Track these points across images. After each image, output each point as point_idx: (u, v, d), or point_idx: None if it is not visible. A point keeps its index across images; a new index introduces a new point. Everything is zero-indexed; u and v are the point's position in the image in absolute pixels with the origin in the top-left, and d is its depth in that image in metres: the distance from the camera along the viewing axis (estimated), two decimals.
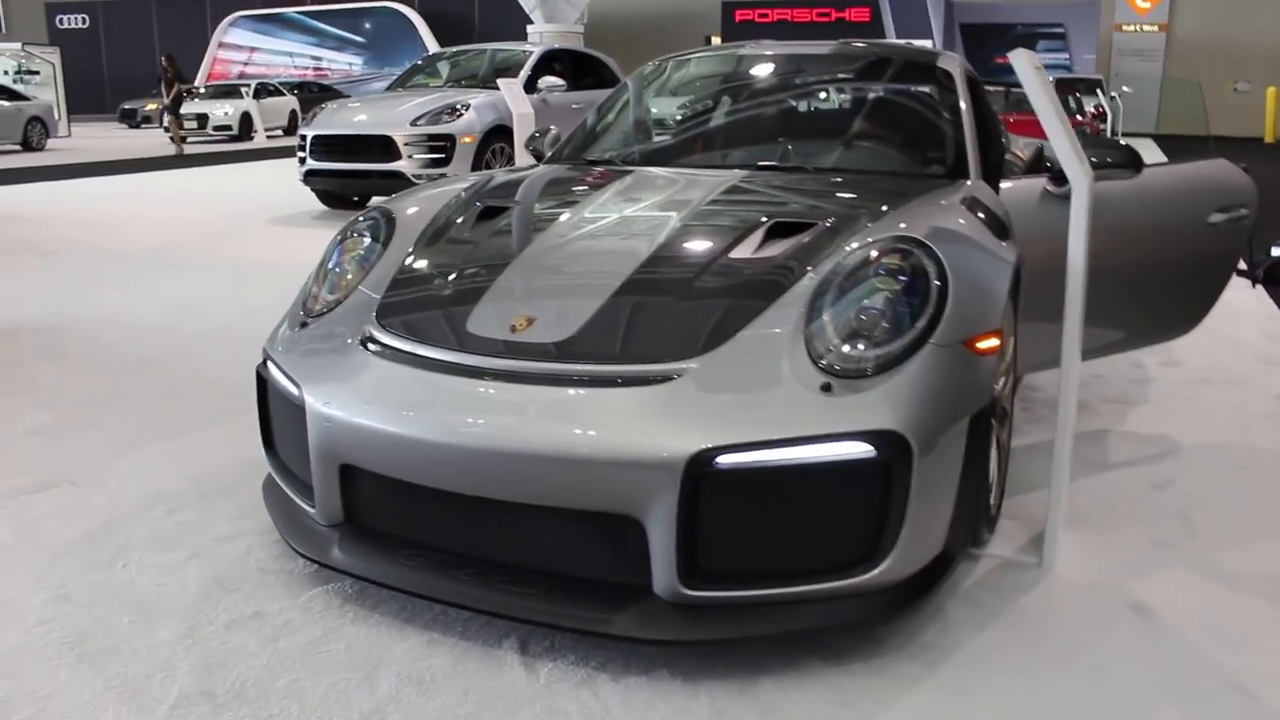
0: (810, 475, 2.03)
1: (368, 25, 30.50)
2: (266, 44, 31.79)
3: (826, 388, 2.09)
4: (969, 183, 3.04)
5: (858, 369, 2.12)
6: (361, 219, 2.88)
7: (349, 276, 2.71)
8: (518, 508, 2.13)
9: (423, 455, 2.16)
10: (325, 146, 9.02)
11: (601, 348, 2.23)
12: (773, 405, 2.08)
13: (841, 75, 3.85)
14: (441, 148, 8.74)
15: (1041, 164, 3.78)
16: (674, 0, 30.22)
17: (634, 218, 2.82)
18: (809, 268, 2.37)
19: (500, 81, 9.23)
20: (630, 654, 2.16)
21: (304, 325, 2.60)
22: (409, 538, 2.31)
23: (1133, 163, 2.98)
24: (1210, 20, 27.44)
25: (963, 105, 3.41)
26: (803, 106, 3.75)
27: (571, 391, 2.14)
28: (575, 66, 10.59)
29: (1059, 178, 3.03)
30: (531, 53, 10.45)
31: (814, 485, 2.05)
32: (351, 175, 9.04)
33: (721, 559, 2.07)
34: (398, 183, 8.85)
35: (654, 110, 3.90)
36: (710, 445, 1.99)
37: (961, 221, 2.59)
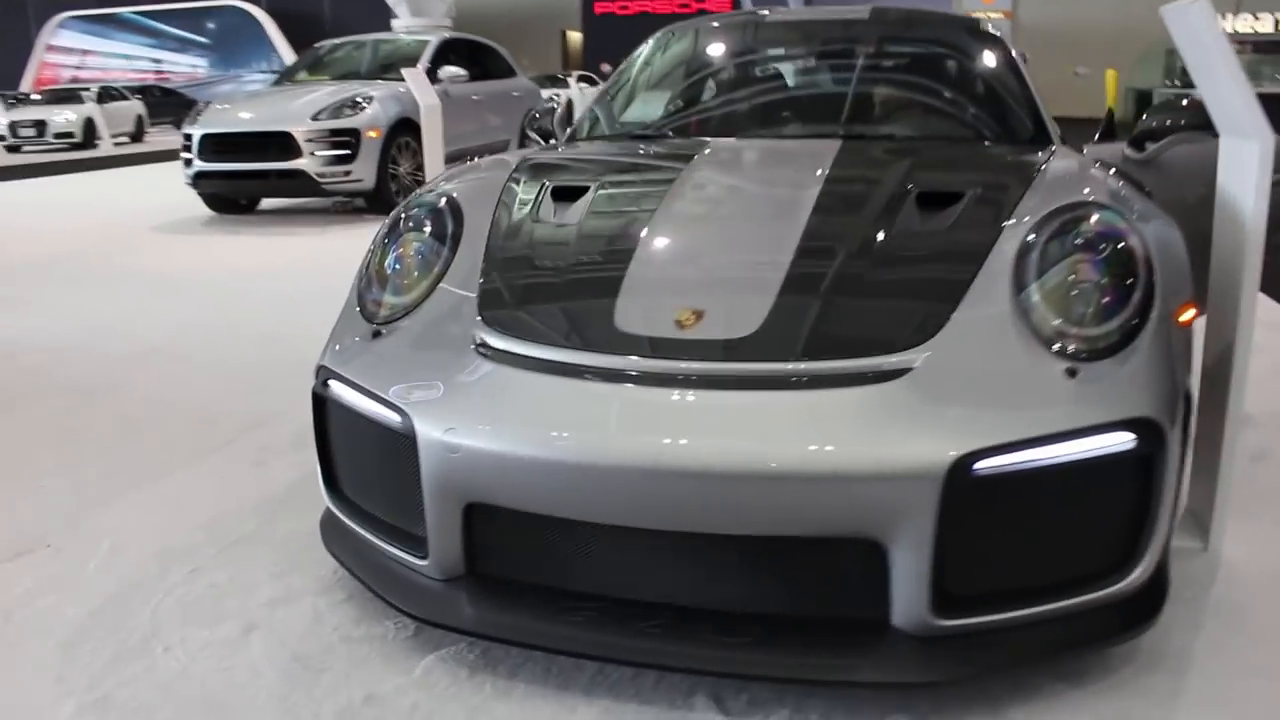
0: (1072, 474, 1.73)
1: (211, 25, 28.83)
2: (101, 46, 29.66)
3: (1072, 373, 1.77)
4: (1060, 148, 2.81)
5: (1093, 349, 1.82)
6: (414, 209, 2.40)
7: (414, 274, 2.23)
8: (717, 541, 1.75)
9: (590, 485, 1.74)
10: (216, 146, 8.23)
11: (798, 342, 1.85)
12: (1021, 396, 1.77)
13: (898, 40, 3.56)
14: (346, 143, 8.09)
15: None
16: None
17: (754, 194, 2.46)
18: (990, 240, 2.04)
19: (405, 72, 8.62)
20: (854, 701, 1.79)
21: (377, 335, 2.11)
22: (561, 588, 1.87)
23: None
24: (1053, 6, 28.69)
25: (1022, 69, 3.19)
26: (868, 73, 3.44)
27: (783, 395, 1.76)
28: (471, 56, 10.04)
29: (1138, 142, 2.82)
30: (427, 42, 9.84)
31: (1075, 485, 1.76)
32: (247, 176, 8.28)
33: (975, 580, 1.76)
34: (298, 183, 8.18)
35: (690, 79, 3.51)
36: (972, 449, 1.66)
37: (1121, 186, 2.32)
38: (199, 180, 8.45)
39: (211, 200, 8.84)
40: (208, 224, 8.52)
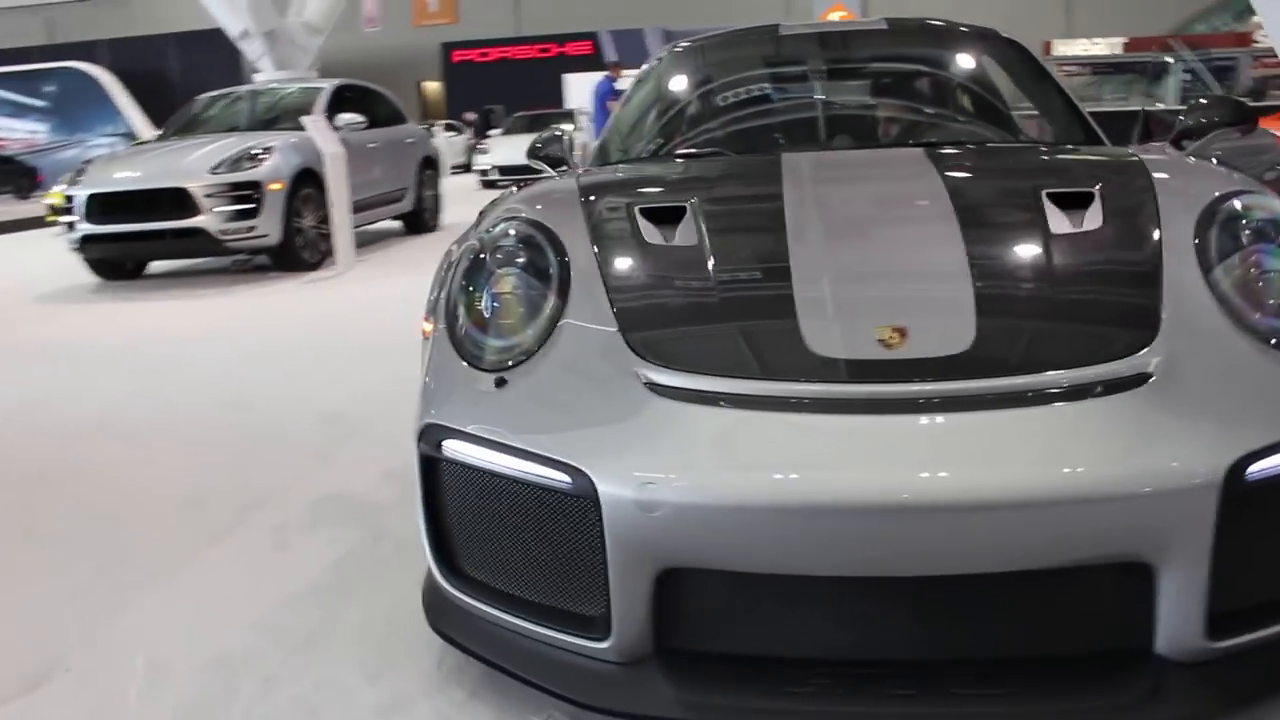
0: None
1: (49, 88, 27.15)
2: None
3: None
4: (1130, 146, 2.74)
5: None
6: (501, 241, 2.08)
7: (520, 312, 1.93)
8: (968, 582, 1.53)
9: (822, 532, 1.50)
10: (103, 207, 7.56)
11: (1019, 355, 1.68)
12: (1261, 388, 1.65)
13: (924, 50, 3.45)
14: (248, 197, 7.55)
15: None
16: (397, 45, 29.26)
17: (883, 206, 2.24)
18: (1152, 235, 1.92)
19: (306, 120, 8.18)
20: None
21: (501, 384, 1.80)
22: (774, 655, 1.60)
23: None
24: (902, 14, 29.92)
25: (1053, 75, 3.14)
26: (908, 82, 3.32)
27: (1022, 413, 1.56)
28: (361, 103, 9.61)
29: (1178, 142, 2.80)
30: (319, 90, 9.38)
31: None
32: (140, 237, 7.62)
33: (1247, 595, 1.60)
34: (197, 242, 7.61)
35: (720, 96, 3.30)
36: (1246, 451, 1.52)
37: (1236, 174, 2.23)
38: (86, 245, 7.75)
39: (98, 265, 8.13)
40: (98, 291, 7.82)
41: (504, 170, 16.66)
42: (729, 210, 2.24)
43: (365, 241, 9.34)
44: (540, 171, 3.19)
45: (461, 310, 1.98)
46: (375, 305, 6.34)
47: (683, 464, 1.55)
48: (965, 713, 1.53)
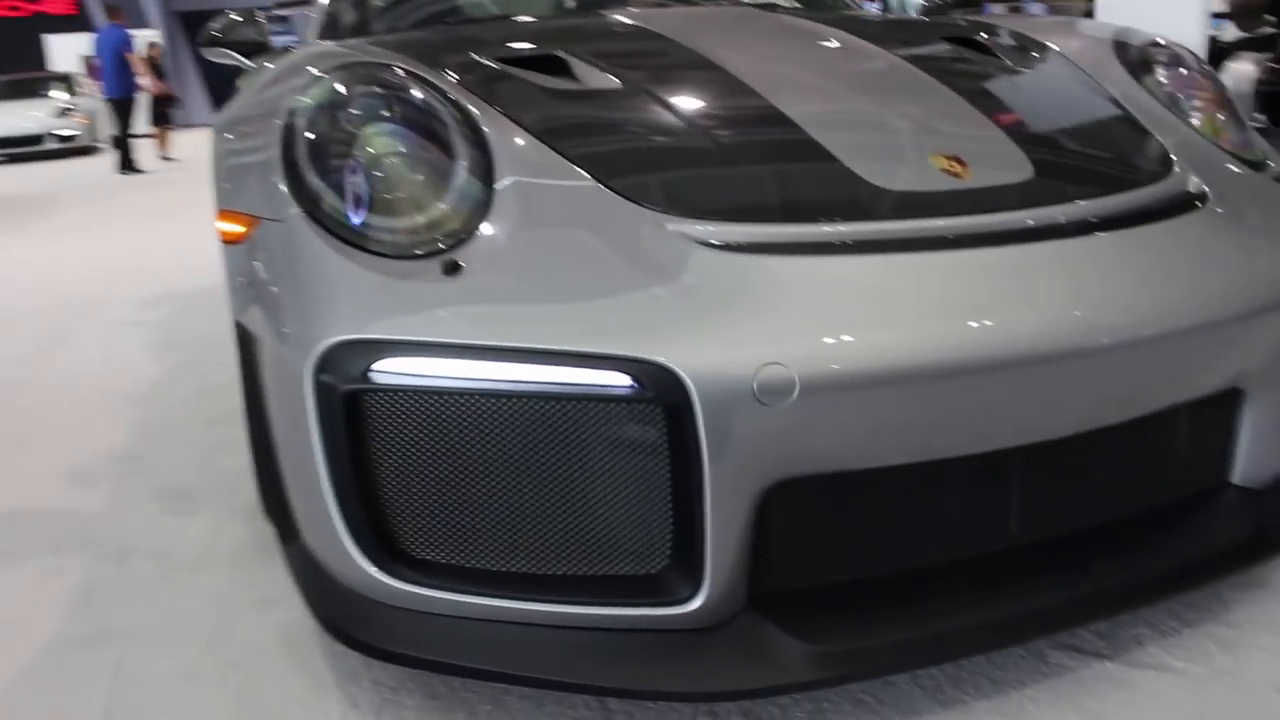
0: None
1: None
2: None
3: None
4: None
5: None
6: (343, 93, 1.48)
7: (418, 178, 1.39)
8: (1066, 445, 1.34)
9: (973, 393, 1.23)
10: None
11: (1081, 180, 1.57)
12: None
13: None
14: None
15: None
16: None
17: (820, 59, 1.93)
18: (1094, 72, 1.91)
19: None
20: None
21: (453, 270, 1.26)
22: (893, 572, 1.31)
23: None
24: None
25: None
26: None
27: (1130, 236, 1.43)
28: None
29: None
30: None
31: None
32: None
33: None
34: None
35: None
36: None
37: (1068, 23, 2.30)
38: None
39: None
40: None
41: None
42: (628, 60, 1.79)
43: None
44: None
45: (323, 186, 1.37)
46: None
47: (807, 330, 1.16)
48: (1108, 583, 1.37)
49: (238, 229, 1.59)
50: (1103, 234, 1.40)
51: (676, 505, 1.21)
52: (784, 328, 1.19)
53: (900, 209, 1.39)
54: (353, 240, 1.36)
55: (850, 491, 1.27)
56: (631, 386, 1.17)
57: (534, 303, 1.26)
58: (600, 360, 1.18)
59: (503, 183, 1.40)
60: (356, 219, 1.38)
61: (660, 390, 1.16)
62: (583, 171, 1.40)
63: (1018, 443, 1.29)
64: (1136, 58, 1.92)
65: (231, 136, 1.81)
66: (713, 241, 1.29)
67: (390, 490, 1.29)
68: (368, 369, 1.25)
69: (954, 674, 1.41)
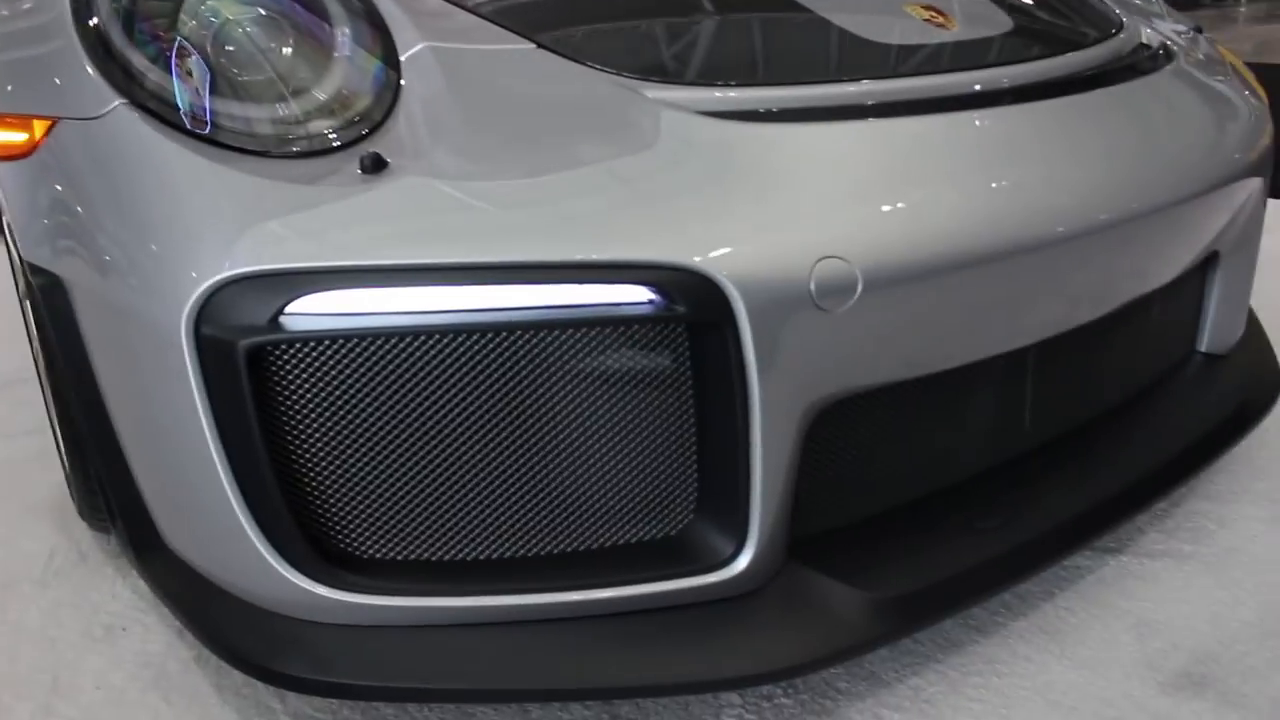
0: None
1: None
2: None
3: None
4: None
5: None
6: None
7: (285, 51, 1.06)
8: (1076, 336, 1.21)
9: (1052, 265, 1.09)
10: None
11: (1058, 34, 1.45)
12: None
13: None
14: None
15: None
16: None
17: None
18: None
19: None
20: None
21: (379, 165, 0.95)
22: (923, 495, 1.17)
23: None
24: None
25: None
26: None
27: (1128, 89, 1.31)
28: None
29: None
30: None
31: None
32: None
33: None
34: None
35: None
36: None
37: None
38: None
39: None
40: None
41: None
42: None
43: None
44: None
45: (147, 63, 1.00)
46: None
47: (856, 216, 0.93)
48: (1135, 475, 1.28)
49: (16, 137, 1.16)
50: (1113, 87, 1.26)
51: (709, 448, 0.97)
52: (829, 214, 0.96)
53: (905, 64, 1.19)
54: (216, 139, 1.00)
55: (896, 405, 1.07)
56: (653, 302, 0.90)
57: (501, 204, 0.94)
58: (608, 271, 0.90)
59: (411, 51, 1.07)
60: (207, 108, 1.01)
61: (694, 304, 0.90)
62: (520, 35, 1.09)
63: (1059, 330, 1.14)
64: None
65: None
66: (712, 109, 1.02)
67: (324, 473, 0.96)
68: (278, 313, 0.91)
69: None
